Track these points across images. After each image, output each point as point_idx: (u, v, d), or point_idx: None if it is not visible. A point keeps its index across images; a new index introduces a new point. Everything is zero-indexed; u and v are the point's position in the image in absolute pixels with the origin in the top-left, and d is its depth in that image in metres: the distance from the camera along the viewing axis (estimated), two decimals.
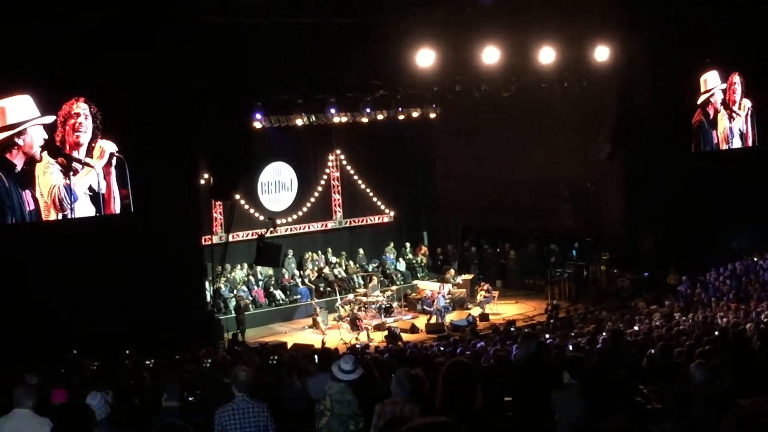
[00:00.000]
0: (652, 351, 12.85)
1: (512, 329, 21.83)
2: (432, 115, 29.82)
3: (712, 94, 28.46)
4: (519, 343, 11.13)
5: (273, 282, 27.43)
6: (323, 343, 21.54)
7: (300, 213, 29.23)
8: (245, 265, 27.33)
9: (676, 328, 16.88)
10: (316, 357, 15.70)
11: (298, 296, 27.33)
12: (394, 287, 28.22)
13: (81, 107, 19.70)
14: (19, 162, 18.95)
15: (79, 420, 6.78)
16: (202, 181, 24.08)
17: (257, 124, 25.17)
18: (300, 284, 27.79)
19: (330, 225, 30.22)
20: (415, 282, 29.37)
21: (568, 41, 25.32)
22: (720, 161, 28.44)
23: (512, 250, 30.64)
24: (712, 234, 26.23)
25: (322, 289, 27.90)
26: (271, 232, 26.04)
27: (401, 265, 30.46)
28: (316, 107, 26.32)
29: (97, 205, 20.02)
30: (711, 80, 28.47)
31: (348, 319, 25.15)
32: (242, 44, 21.69)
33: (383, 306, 26.28)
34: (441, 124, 30.62)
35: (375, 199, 30.91)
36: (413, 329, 25.00)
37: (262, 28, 22.46)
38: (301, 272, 28.45)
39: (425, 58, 23.55)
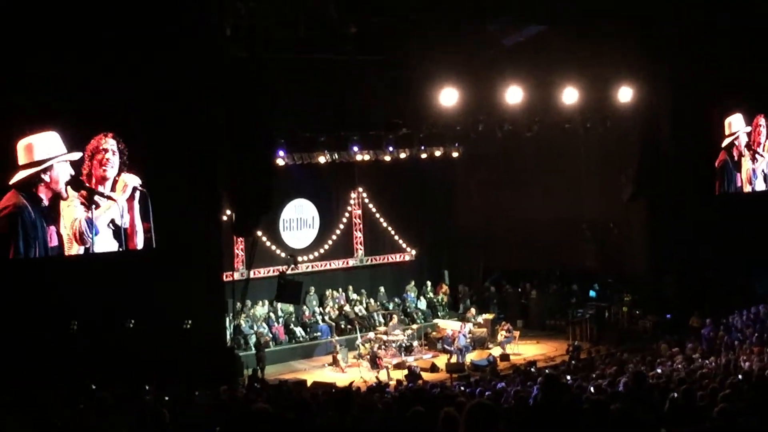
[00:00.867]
0: (675, 394, 12.72)
1: (533, 370, 21.72)
2: (455, 154, 29.83)
3: (737, 137, 28.34)
4: (540, 385, 11.05)
5: (293, 319, 27.40)
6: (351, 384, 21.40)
7: (321, 250, 29.24)
8: (266, 302, 27.31)
9: (699, 371, 16.73)
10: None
11: (319, 333, 27.28)
12: (414, 326, 28.12)
13: (109, 143, 19.83)
14: (45, 197, 19.10)
15: None
16: (225, 218, 24.15)
17: (280, 161, 25.28)
18: (320, 322, 27.74)
19: (351, 263, 30.20)
20: (435, 321, 29.27)
21: (591, 82, 25.37)
22: (744, 203, 28.27)
23: (534, 290, 30.52)
24: (735, 277, 26.02)
25: (342, 326, 27.83)
26: (292, 269, 26.04)
27: (422, 304, 30.37)
28: (338, 145, 26.42)
29: (119, 239, 20.10)
30: (736, 123, 28.35)
31: (368, 357, 25.06)
32: (266, 80, 21.81)
33: (403, 344, 26.19)
34: (463, 163, 30.59)
35: (396, 237, 30.89)
36: (433, 368, 24.87)
37: (287, 64, 22.61)
38: (322, 309, 28.39)
39: (449, 97, 23.64)
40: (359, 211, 30.20)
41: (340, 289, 29.49)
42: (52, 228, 19.20)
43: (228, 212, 24.14)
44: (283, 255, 27.71)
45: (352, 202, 30.08)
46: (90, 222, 19.58)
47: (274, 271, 26.73)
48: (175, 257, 20.64)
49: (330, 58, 22.99)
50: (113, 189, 20.07)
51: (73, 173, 19.36)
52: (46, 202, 19.12)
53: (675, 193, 26.57)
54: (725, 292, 25.56)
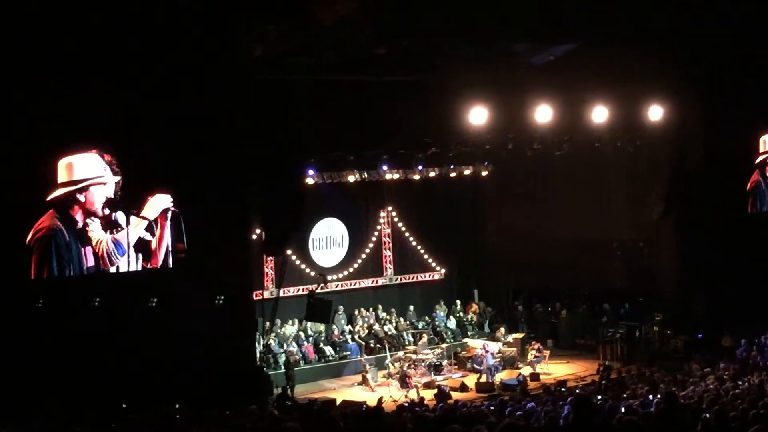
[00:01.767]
0: (707, 415, 12.63)
1: (563, 389, 21.61)
2: (484, 173, 29.83)
3: None
4: (570, 405, 11.01)
5: (323, 338, 27.41)
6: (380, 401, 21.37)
7: (351, 269, 29.26)
8: (296, 321, 27.35)
9: (732, 392, 16.59)
10: None
11: (348, 352, 27.26)
12: (444, 345, 28.06)
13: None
14: (80, 218, 19.30)
15: None
16: (255, 236, 24.24)
17: (309, 180, 25.34)
18: (350, 340, 27.72)
19: (381, 281, 30.20)
20: (465, 340, 29.20)
21: (621, 100, 25.31)
22: None
23: (563, 309, 30.40)
24: (767, 296, 25.81)
25: (372, 345, 27.80)
26: (321, 288, 26.07)
27: (451, 323, 30.30)
28: (368, 164, 26.50)
29: (146, 257, 20.22)
30: None
31: (397, 376, 25.01)
32: (295, 101, 21.92)
33: (433, 363, 26.11)
34: (493, 181, 30.56)
35: (426, 256, 30.88)
36: (463, 388, 24.80)
37: (315, 85, 22.71)
38: (351, 328, 28.39)
39: (478, 115, 23.68)
40: (388, 230, 30.22)
41: (370, 308, 29.48)
42: (89, 249, 19.40)
43: (258, 231, 24.23)
44: (312, 274, 27.76)
45: (381, 220, 30.10)
46: (117, 243, 19.74)
47: (303, 290, 26.78)
48: (205, 276, 20.74)
49: (359, 79, 23.08)
50: (141, 208, 20.22)
51: (110, 196, 19.57)
52: (80, 224, 19.32)
53: (705, 212, 26.41)
54: (757, 312, 25.32)
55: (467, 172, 28.99)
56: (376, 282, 30.07)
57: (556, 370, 26.64)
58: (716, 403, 14.58)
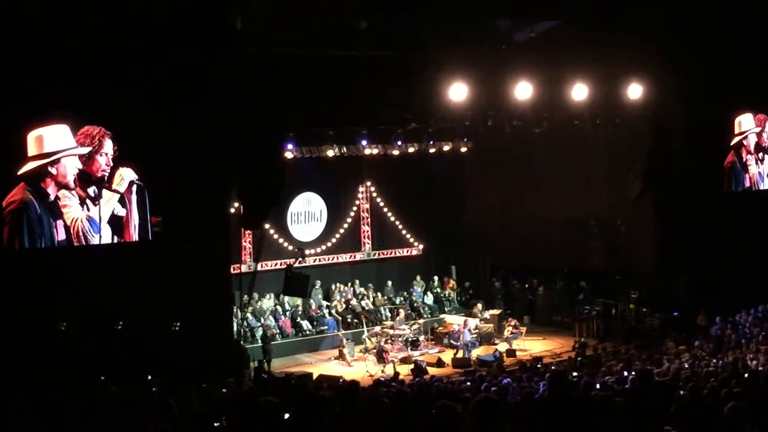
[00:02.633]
0: (681, 392, 12.73)
1: (539, 366, 21.74)
2: (463, 149, 29.81)
3: (746, 137, 28.22)
4: (547, 381, 11.06)
5: (300, 312, 27.45)
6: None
7: (329, 244, 29.30)
8: (273, 295, 27.38)
9: (706, 370, 16.73)
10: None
11: (325, 327, 27.31)
12: (421, 320, 28.15)
13: (107, 144, 19.74)
14: (52, 191, 19.05)
15: None
16: (233, 210, 24.18)
17: (288, 154, 25.24)
18: (327, 315, 27.79)
19: (358, 257, 30.24)
20: (442, 316, 29.31)
21: (601, 78, 25.33)
22: (752, 202, 28.16)
23: (541, 286, 30.53)
24: (743, 275, 25.95)
25: (349, 320, 27.89)
26: (299, 263, 26.07)
27: (429, 299, 30.40)
28: (347, 139, 26.43)
29: (117, 231, 20.04)
30: (746, 122, 28.23)
31: (374, 351, 25.09)
32: (275, 74, 21.79)
33: (410, 339, 26.21)
34: (472, 158, 30.58)
35: (404, 232, 30.93)
36: (439, 363, 24.90)
37: (296, 59, 22.59)
38: (329, 303, 28.45)
39: (458, 92, 23.62)
40: (367, 205, 30.24)
41: (348, 283, 29.54)
42: (60, 222, 19.19)
43: (236, 205, 24.17)
44: (290, 248, 27.79)
45: (360, 196, 30.11)
46: (91, 220, 19.57)
47: (281, 265, 26.78)
48: (182, 249, 20.66)
49: (340, 54, 22.99)
50: (111, 182, 20.01)
51: (81, 167, 19.35)
52: (52, 197, 19.08)
53: (683, 191, 26.54)
54: (732, 291, 25.49)
55: (446, 148, 28.97)
56: (354, 257, 30.11)
57: (533, 346, 26.78)
58: (691, 380, 14.71)
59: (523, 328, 27.46)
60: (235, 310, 24.54)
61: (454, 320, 27.89)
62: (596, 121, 26.49)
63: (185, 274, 20.60)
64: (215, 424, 11.45)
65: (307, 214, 28.97)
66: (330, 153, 26.42)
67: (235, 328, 23.99)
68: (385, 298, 29.75)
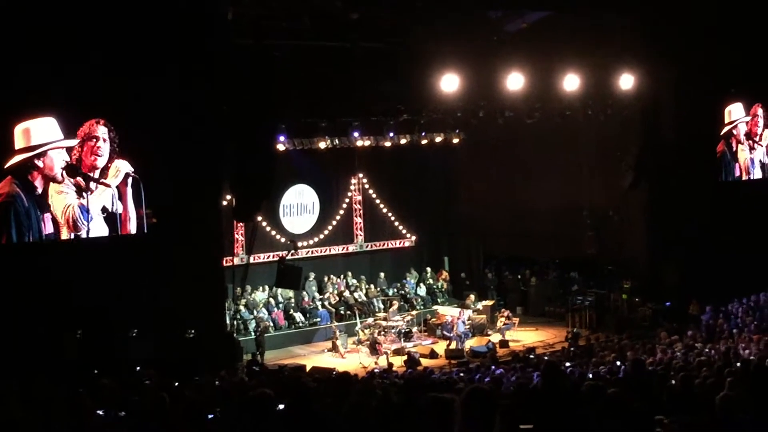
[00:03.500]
0: (673, 381, 12.75)
1: (532, 356, 21.76)
2: (455, 141, 29.81)
3: (736, 126, 28.28)
4: (541, 371, 11.08)
5: (293, 304, 27.44)
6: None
7: (321, 236, 29.28)
8: (266, 287, 27.35)
9: (698, 359, 16.76)
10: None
11: (318, 319, 27.31)
12: (414, 312, 28.15)
13: (101, 130, 19.70)
14: (39, 184, 18.94)
15: None
16: (225, 203, 24.14)
17: (281, 146, 25.19)
18: (320, 307, 27.77)
19: (351, 248, 30.23)
20: (435, 307, 29.32)
21: (592, 69, 25.33)
22: (744, 191, 28.23)
23: (533, 276, 30.57)
24: (735, 264, 26.00)
25: (342, 312, 27.88)
26: (292, 255, 26.04)
27: (422, 290, 30.40)
28: (339, 130, 26.40)
29: (112, 225, 19.97)
30: (735, 112, 28.30)
31: (367, 343, 25.11)
32: (267, 66, 21.73)
33: (403, 330, 26.21)
34: (464, 149, 30.55)
35: (397, 224, 30.92)
36: (432, 354, 24.92)
37: (288, 51, 22.53)
38: (322, 295, 28.44)
39: (450, 83, 23.58)
40: (359, 197, 30.22)
41: (341, 275, 29.53)
42: (47, 215, 19.07)
43: (228, 197, 24.13)
44: (283, 240, 27.76)
45: (352, 187, 30.09)
46: (84, 208, 19.49)
47: (274, 257, 26.75)
48: (175, 242, 20.58)
49: (332, 45, 22.93)
50: (105, 175, 19.94)
51: (68, 160, 19.26)
52: (39, 190, 18.94)
53: (675, 181, 26.57)
54: (725, 280, 25.53)
55: (438, 139, 28.98)
56: (347, 249, 30.10)
57: (525, 337, 26.83)
58: (683, 370, 14.73)
59: (515, 318, 27.51)
60: (228, 302, 24.51)
61: (447, 311, 27.90)
62: (588, 111, 26.53)
63: (176, 267, 20.54)
64: (209, 416, 11.42)
65: (299, 206, 28.94)
66: (322, 145, 26.41)
67: (228, 321, 23.98)
68: (378, 289, 29.74)
